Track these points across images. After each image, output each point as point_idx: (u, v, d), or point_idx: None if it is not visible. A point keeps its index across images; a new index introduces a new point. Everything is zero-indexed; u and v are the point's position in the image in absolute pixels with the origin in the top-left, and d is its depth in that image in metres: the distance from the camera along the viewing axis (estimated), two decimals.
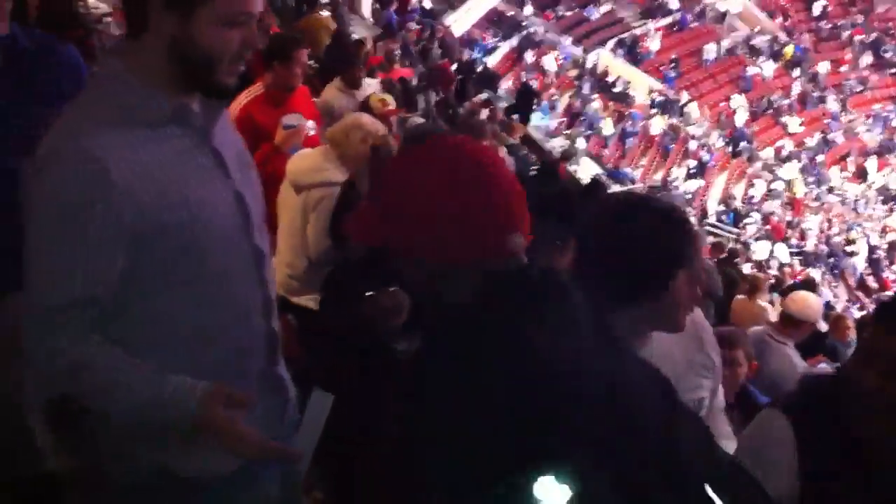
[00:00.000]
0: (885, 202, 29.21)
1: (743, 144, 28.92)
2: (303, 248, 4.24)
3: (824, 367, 6.13)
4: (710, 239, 16.98)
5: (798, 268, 21.61)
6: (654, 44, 30.76)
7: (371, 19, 17.54)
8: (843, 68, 33.53)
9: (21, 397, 2.81)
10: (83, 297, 1.72)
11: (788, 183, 28.09)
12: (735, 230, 23.90)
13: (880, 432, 2.04)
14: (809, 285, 9.96)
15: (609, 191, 10.17)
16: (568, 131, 24.10)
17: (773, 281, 14.41)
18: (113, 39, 10.59)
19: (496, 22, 27.41)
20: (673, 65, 30.25)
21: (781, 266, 20.82)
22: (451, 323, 1.53)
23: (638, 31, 30.81)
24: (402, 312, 3.37)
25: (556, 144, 17.60)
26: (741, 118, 29.82)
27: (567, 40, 28.49)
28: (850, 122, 31.95)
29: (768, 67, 31.97)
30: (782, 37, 33.30)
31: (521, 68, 26.26)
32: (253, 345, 2.01)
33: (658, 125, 27.51)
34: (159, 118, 1.81)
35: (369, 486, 2.79)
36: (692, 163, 27.21)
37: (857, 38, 34.20)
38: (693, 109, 29.20)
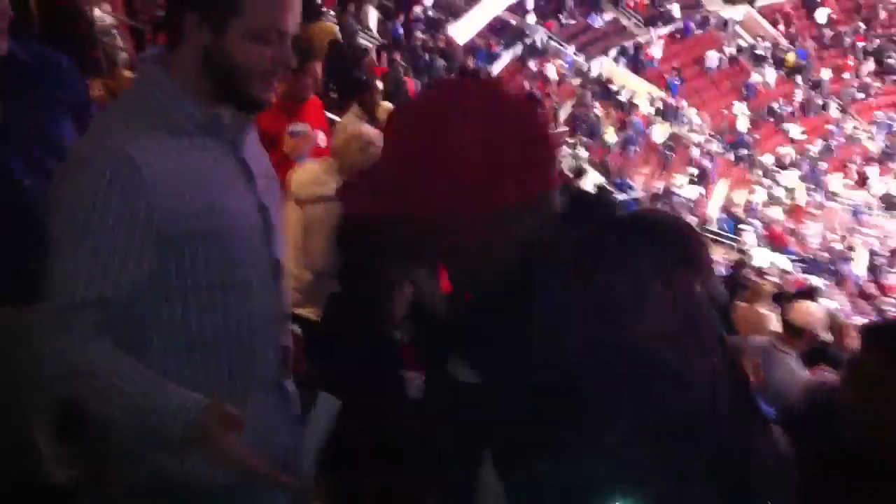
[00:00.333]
0: (886, 209, 29.15)
1: (744, 151, 28.92)
2: (305, 261, 4.27)
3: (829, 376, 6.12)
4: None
5: (799, 275, 21.54)
6: (656, 52, 30.78)
7: (376, 31, 17.53)
8: (846, 75, 33.52)
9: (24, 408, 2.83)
10: (90, 298, 1.72)
11: (790, 190, 28.07)
12: (733, 237, 23.88)
13: (866, 444, 2.08)
14: (812, 294, 9.91)
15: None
16: (570, 140, 24.07)
17: (774, 290, 14.36)
18: (117, 51, 10.68)
19: (499, 30, 27.42)
20: (676, 72, 30.25)
21: (783, 273, 20.78)
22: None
23: (641, 39, 30.83)
24: (405, 303, 3.43)
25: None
26: (743, 125, 29.83)
27: (570, 48, 28.50)
28: (853, 129, 31.93)
29: (770, 75, 31.98)
30: (785, 44, 33.31)
31: (523, 76, 26.26)
32: (267, 355, 2.03)
33: (660, 133, 27.51)
34: (192, 127, 1.85)
35: (378, 491, 2.81)
36: (693, 170, 27.20)
37: (860, 44, 34.20)
38: (695, 117, 29.22)
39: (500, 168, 1.28)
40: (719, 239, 22.80)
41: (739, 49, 32.63)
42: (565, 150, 21.86)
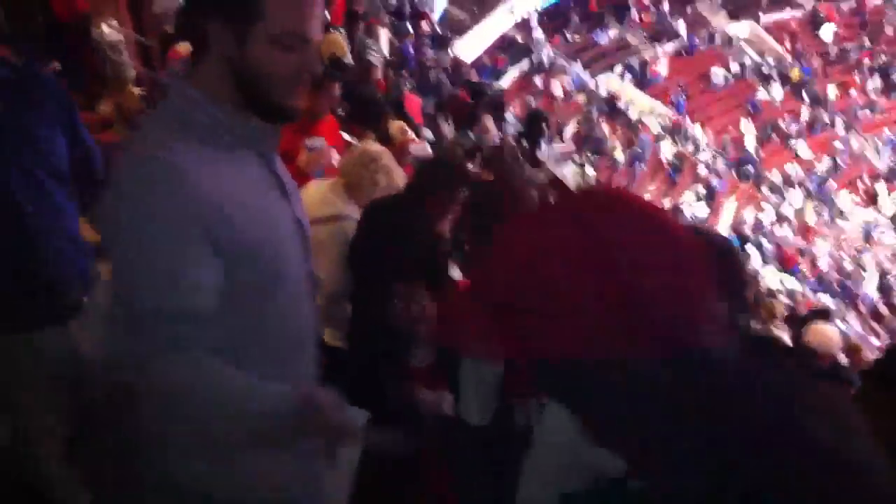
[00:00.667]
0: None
1: (750, 168, 28.89)
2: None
3: None
4: None
5: (810, 296, 21.49)
6: (662, 68, 30.80)
7: (387, 51, 17.54)
8: (852, 92, 33.51)
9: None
10: (186, 308, 1.72)
11: (798, 209, 28.02)
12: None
13: None
14: (826, 315, 9.83)
15: None
16: (577, 156, 24.08)
17: (786, 311, 14.30)
18: (125, 68, 10.67)
19: (505, 47, 27.48)
20: (681, 89, 30.27)
21: (793, 293, 20.72)
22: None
23: (646, 56, 30.87)
24: (425, 323, 3.40)
25: (568, 172, 17.55)
26: (750, 142, 29.81)
27: (575, 65, 28.54)
28: (860, 147, 31.90)
29: (777, 92, 31.98)
30: (790, 61, 33.32)
31: (529, 92, 26.30)
32: (308, 372, 2.04)
33: (667, 150, 27.49)
34: (227, 138, 1.85)
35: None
36: (701, 188, 27.17)
37: (866, 61, 34.22)
38: (701, 134, 29.21)
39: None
40: None
41: (744, 66, 32.64)
42: (572, 166, 21.85)
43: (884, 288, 24.87)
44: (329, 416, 1.77)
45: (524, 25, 28.29)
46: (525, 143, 15.73)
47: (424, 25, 20.38)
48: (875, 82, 33.78)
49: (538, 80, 26.85)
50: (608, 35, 31.18)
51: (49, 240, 2.56)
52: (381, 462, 2.67)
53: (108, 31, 10.02)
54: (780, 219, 27.30)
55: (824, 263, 25.47)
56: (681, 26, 32.48)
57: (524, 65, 27.21)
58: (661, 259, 1.06)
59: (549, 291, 1.03)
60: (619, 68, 30.04)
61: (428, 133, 11.31)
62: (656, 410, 1.10)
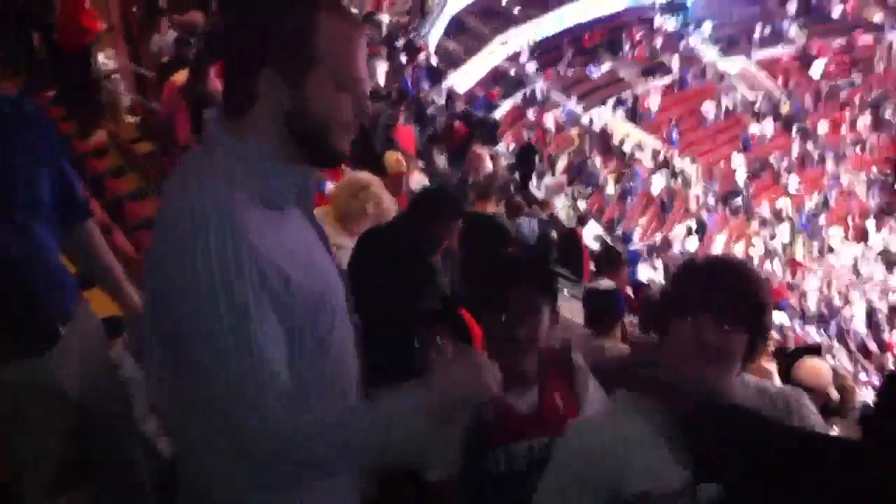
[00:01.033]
0: (886, 264, 29.17)
1: (739, 203, 29.02)
2: None
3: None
4: None
5: (798, 330, 21.47)
6: (654, 103, 30.99)
7: (383, 83, 17.61)
8: (843, 128, 33.72)
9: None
10: (276, 363, 1.66)
11: (787, 244, 28.11)
12: None
13: None
14: (817, 350, 9.81)
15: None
16: (569, 189, 24.15)
17: (775, 345, 14.29)
18: (119, 97, 10.71)
19: (498, 80, 27.64)
20: (673, 124, 30.46)
21: (781, 328, 20.71)
22: None
23: (638, 91, 31.06)
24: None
25: (559, 205, 17.59)
26: (741, 177, 29.96)
27: (568, 99, 28.70)
28: (850, 183, 32.05)
29: (768, 127, 32.19)
30: (781, 96, 33.56)
31: (522, 125, 26.42)
32: None
33: (658, 184, 27.60)
34: (280, 201, 1.80)
35: None
36: (692, 222, 27.27)
37: (857, 98, 34.46)
38: (692, 168, 29.35)
39: None
40: None
41: (735, 101, 32.87)
42: (564, 199, 21.92)
43: (873, 324, 24.91)
44: (448, 388, 1.73)
45: (517, 58, 28.48)
46: (517, 176, 15.84)
47: (421, 58, 20.53)
48: (865, 119, 34.00)
49: (531, 113, 26.97)
50: (600, 69, 31.41)
51: (26, 274, 2.53)
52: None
53: (103, 59, 10.08)
54: (770, 254, 27.38)
55: (813, 298, 25.51)
56: (674, 61, 32.74)
57: (517, 98, 27.34)
58: None
59: None
60: (611, 102, 30.22)
61: (419, 164, 11.35)
62: None
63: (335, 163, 1.88)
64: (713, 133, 31.85)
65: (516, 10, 29.68)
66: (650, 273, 19.05)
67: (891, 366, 20.87)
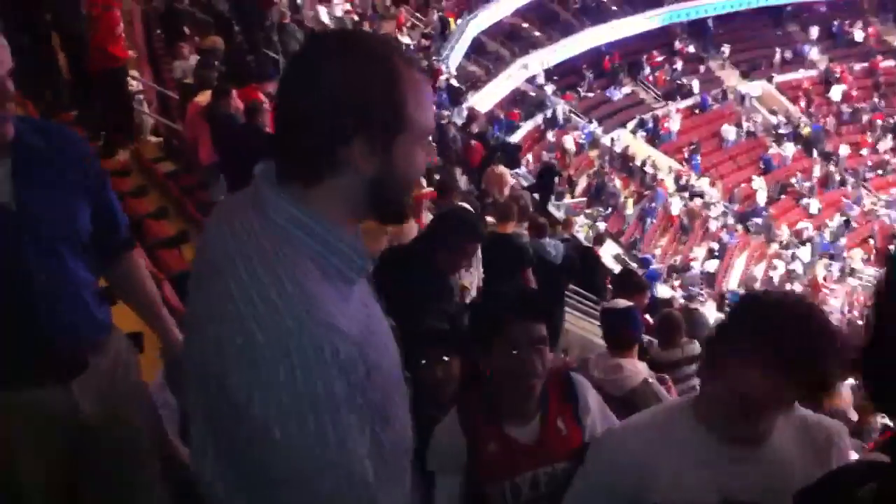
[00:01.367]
0: None
1: (760, 224, 28.91)
2: None
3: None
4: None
5: None
6: (674, 125, 31.00)
7: None
8: (864, 151, 33.62)
9: None
10: (369, 475, 1.58)
11: (808, 265, 27.95)
12: None
13: None
14: None
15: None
16: (588, 210, 24.17)
17: None
18: (143, 118, 10.83)
19: (518, 101, 27.75)
20: (693, 146, 30.46)
21: None
22: None
23: (659, 113, 31.08)
24: (454, 383, 3.39)
25: (577, 225, 17.59)
26: (762, 199, 29.87)
27: (588, 121, 28.77)
28: (872, 205, 31.88)
29: (789, 149, 32.12)
30: (802, 119, 33.51)
31: (542, 147, 26.48)
32: (406, 487, 1.87)
33: (678, 205, 27.57)
34: (355, 275, 1.67)
35: None
36: (713, 244, 27.20)
37: (878, 122, 34.36)
38: (712, 190, 29.31)
39: None
40: None
41: (756, 124, 32.86)
42: (583, 219, 21.92)
43: None
44: None
45: (536, 80, 28.64)
46: (537, 196, 15.88)
47: (441, 80, 20.62)
48: (887, 142, 33.88)
49: (551, 135, 27.03)
50: (621, 92, 31.48)
51: (55, 304, 2.49)
52: None
53: (129, 81, 10.18)
54: (791, 275, 27.23)
55: (835, 320, 25.31)
56: (695, 85, 32.78)
57: (538, 119, 27.41)
58: None
59: None
60: (631, 125, 30.27)
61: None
62: None
63: (402, 219, 1.78)
64: (734, 155, 31.83)
65: (537, 33, 29.88)
66: (669, 293, 18.99)
67: None
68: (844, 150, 32.94)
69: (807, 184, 31.39)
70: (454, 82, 22.21)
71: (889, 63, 36.17)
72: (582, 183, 26.29)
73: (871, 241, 30.80)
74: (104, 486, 2.74)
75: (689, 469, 2.02)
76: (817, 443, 2.09)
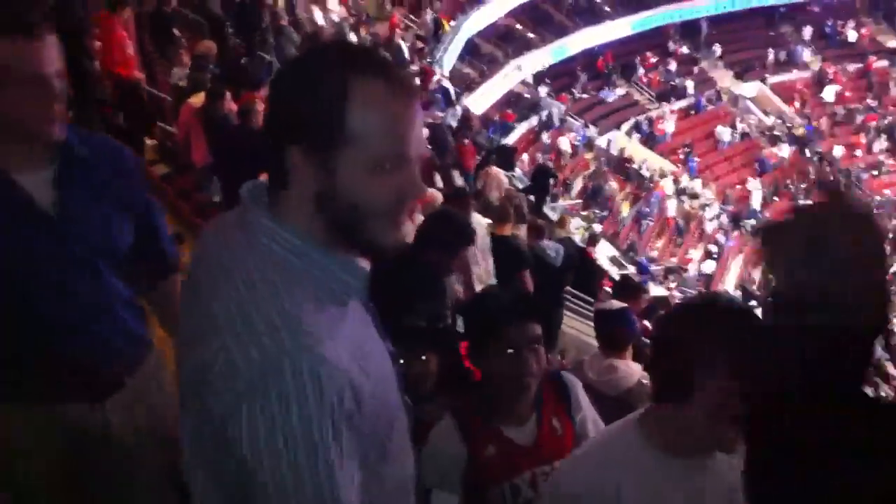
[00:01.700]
0: None
1: (753, 223, 28.95)
2: None
3: None
4: None
5: None
6: (668, 126, 31.02)
7: None
8: (858, 152, 33.67)
9: None
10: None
11: None
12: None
13: None
14: None
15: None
16: (584, 213, 24.16)
17: None
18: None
19: (513, 103, 27.74)
20: (688, 148, 30.48)
21: None
22: None
23: (653, 114, 31.10)
24: (431, 380, 3.39)
25: (573, 227, 17.54)
26: (756, 201, 29.89)
27: (582, 122, 28.77)
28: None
29: (783, 151, 32.16)
30: (796, 120, 33.55)
31: (537, 149, 26.47)
32: None
33: (674, 207, 27.58)
34: (347, 296, 1.58)
35: None
36: (710, 245, 27.22)
37: (872, 123, 34.41)
38: (707, 192, 29.32)
39: None
40: None
41: (750, 125, 32.89)
42: (579, 221, 21.91)
43: (891, 347, 24.67)
44: None
45: (533, 82, 28.64)
46: (532, 198, 15.85)
47: (433, 81, 20.60)
48: (881, 143, 33.93)
49: (546, 137, 27.02)
50: (615, 93, 31.50)
51: (94, 320, 2.44)
52: None
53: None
54: None
55: None
56: (689, 86, 32.81)
57: (533, 121, 27.41)
58: None
59: None
60: (626, 126, 30.27)
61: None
62: None
63: (379, 256, 1.61)
64: (728, 156, 31.86)
65: (531, 35, 29.89)
66: (665, 294, 18.98)
67: None
68: (838, 150, 32.97)
69: (802, 185, 31.41)
70: (447, 84, 22.17)
71: (882, 64, 36.22)
72: (578, 185, 26.27)
73: None
74: (104, 486, 2.71)
75: (653, 486, 2.00)
76: None
